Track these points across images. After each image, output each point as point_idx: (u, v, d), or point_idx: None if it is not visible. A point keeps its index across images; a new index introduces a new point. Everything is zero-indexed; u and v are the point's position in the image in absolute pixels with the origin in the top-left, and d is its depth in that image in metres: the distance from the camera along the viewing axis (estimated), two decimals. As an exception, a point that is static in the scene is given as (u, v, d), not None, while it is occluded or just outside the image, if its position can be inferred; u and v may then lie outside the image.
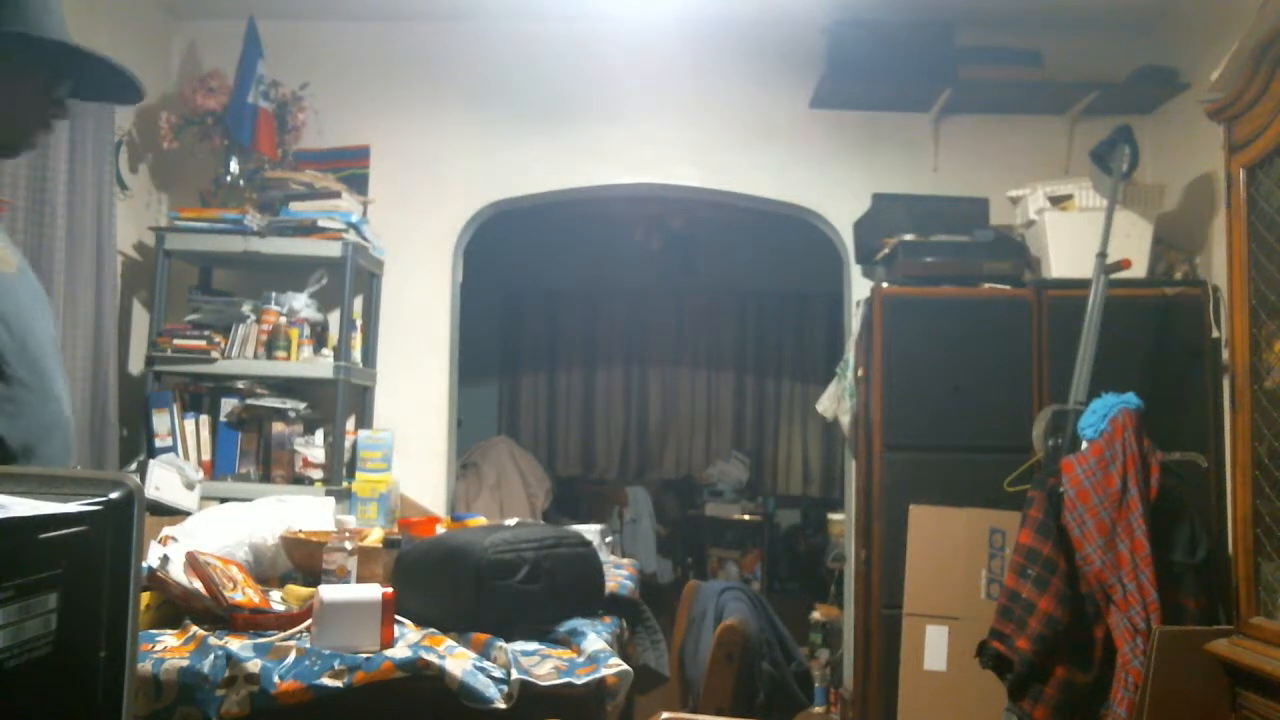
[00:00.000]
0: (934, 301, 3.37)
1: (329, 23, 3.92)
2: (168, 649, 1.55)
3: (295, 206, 3.50)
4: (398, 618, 1.75)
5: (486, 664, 1.58)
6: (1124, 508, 2.71)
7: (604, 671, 1.58)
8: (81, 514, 0.60)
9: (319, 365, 3.48)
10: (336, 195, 3.55)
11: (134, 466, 3.38)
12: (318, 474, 3.48)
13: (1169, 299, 3.28)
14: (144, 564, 1.79)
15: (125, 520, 0.63)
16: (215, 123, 3.53)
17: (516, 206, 4.06)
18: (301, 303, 3.52)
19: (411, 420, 3.81)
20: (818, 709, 4.10)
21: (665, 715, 1.71)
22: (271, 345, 3.43)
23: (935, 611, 3.19)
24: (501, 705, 1.50)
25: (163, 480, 3.06)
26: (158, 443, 3.35)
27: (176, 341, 3.40)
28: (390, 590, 1.68)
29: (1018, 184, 3.60)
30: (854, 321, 3.69)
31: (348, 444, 3.56)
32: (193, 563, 1.77)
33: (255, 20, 3.55)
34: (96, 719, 0.62)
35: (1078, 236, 3.30)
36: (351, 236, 3.48)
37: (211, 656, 1.50)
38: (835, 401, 3.74)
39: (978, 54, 3.70)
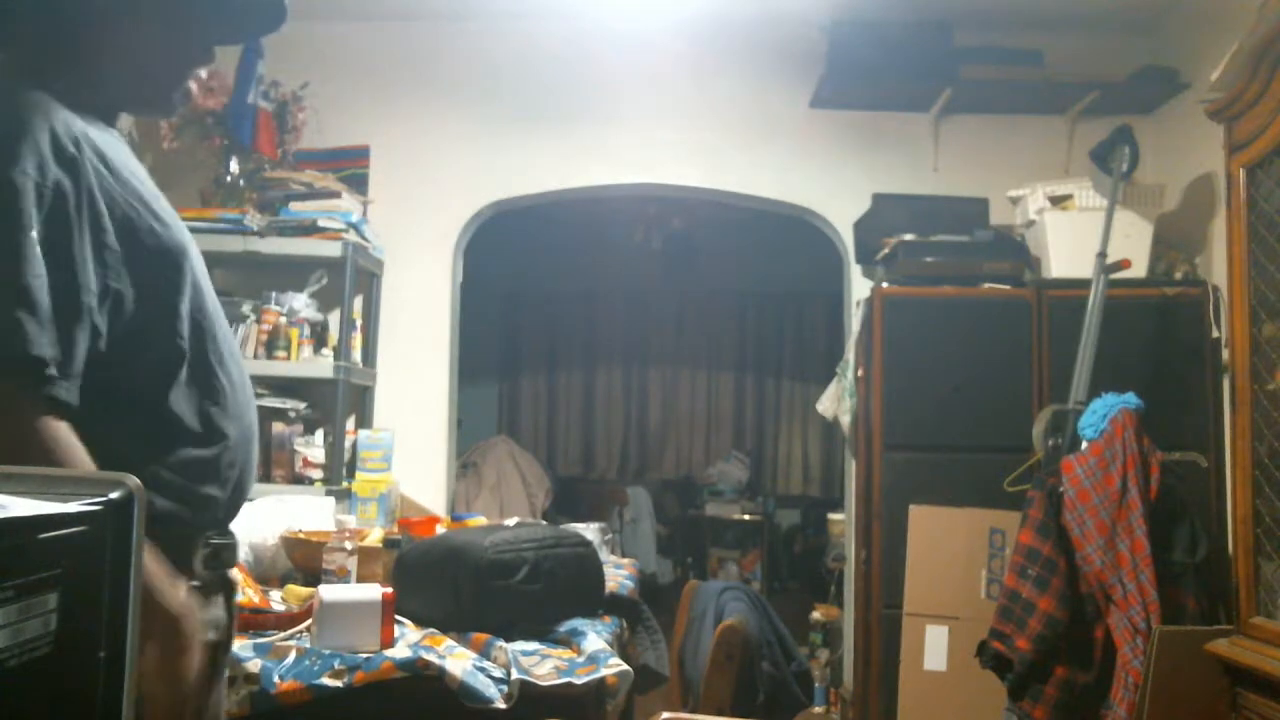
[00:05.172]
0: (934, 301, 3.37)
1: (329, 23, 3.91)
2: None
3: (295, 206, 3.50)
4: (398, 618, 1.75)
5: (486, 664, 1.58)
6: (1124, 508, 2.71)
7: (604, 671, 1.58)
8: (81, 514, 0.60)
9: (319, 365, 3.48)
10: (336, 195, 3.55)
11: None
12: (318, 474, 3.48)
13: (1169, 299, 3.28)
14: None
15: (125, 520, 0.63)
16: (215, 123, 3.53)
17: (516, 206, 4.06)
18: (301, 303, 3.52)
19: (411, 420, 3.80)
20: (818, 709, 4.10)
21: (665, 715, 1.71)
22: (271, 345, 3.43)
23: (935, 611, 3.19)
24: (501, 705, 1.50)
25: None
26: (158, 443, 3.34)
27: (177, 341, 3.39)
28: (390, 590, 1.68)
29: (1018, 184, 3.60)
30: (854, 321, 3.69)
31: (348, 444, 3.55)
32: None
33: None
34: (96, 719, 0.62)
35: (1078, 236, 3.29)
36: (351, 236, 3.48)
37: (211, 656, 1.50)
38: (835, 401, 3.74)
39: (978, 54, 3.70)
